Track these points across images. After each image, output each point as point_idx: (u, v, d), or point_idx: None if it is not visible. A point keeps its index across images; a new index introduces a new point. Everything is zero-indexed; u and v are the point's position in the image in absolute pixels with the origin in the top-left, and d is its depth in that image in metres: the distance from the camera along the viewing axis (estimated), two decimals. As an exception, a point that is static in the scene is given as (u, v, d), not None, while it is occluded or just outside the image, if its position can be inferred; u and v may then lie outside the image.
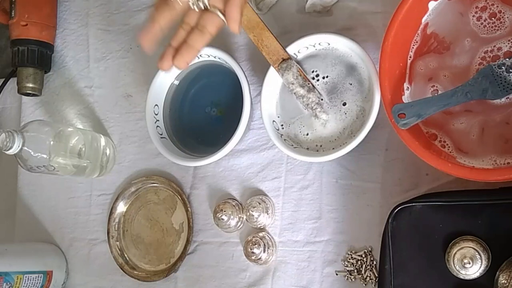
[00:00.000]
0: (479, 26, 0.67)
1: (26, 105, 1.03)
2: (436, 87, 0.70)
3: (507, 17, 0.67)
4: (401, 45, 0.71)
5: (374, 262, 0.76)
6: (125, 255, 0.92)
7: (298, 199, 0.82)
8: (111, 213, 0.92)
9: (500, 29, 0.66)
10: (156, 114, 0.88)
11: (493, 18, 0.67)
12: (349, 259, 0.77)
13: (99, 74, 0.98)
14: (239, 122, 0.79)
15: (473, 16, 0.68)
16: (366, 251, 0.77)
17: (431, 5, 0.70)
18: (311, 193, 0.81)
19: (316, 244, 0.80)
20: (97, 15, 1.00)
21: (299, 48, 0.79)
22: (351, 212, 0.79)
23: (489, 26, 0.67)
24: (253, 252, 0.79)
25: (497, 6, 0.67)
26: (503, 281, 0.64)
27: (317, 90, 0.78)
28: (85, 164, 0.89)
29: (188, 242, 0.86)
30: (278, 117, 0.81)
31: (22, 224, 1.00)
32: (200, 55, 0.86)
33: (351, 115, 0.77)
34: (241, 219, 0.83)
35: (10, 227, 1.01)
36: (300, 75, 0.77)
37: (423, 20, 0.71)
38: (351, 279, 0.77)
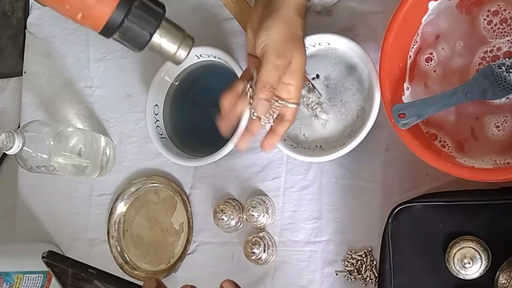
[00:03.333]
0: (489, 31, 0.67)
1: (26, 105, 1.03)
2: (433, 55, 0.70)
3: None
4: (401, 45, 0.71)
5: (374, 262, 0.76)
6: (125, 255, 0.92)
7: (298, 199, 0.82)
8: (111, 213, 0.92)
9: (510, 34, 0.66)
10: (156, 114, 0.88)
11: (503, 24, 0.66)
12: (349, 259, 0.77)
13: (99, 74, 0.98)
14: (239, 122, 0.79)
15: (484, 19, 0.67)
16: (366, 251, 0.77)
17: (431, 5, 0.70)
18: (311, 193, 0.81)
19: (316, 244, 0.80)
20: (97, 15, 1.00)
21: (299, 48, 0.79)
22: (351, 212, 0.79)
23: (498, 31, 0.66)
24: (253, 252, 0.79)
25: (509, 12, 0.66)
26: (503, 281, 0.64)
27: (317, 90, 0.78)
28: (85, 164, 0.89)
29: (188, 242, 0.86)
30: (278, 117, 0.81)
31: (22, 224, 1.00)
32: (200, 55, 0.86)
33: (351, 115, 0.77)
34: (241, 219, 0.83)
35: (10, 227, 1.01)
36: (300, 75, 0.77)
37: (423, 20, 0.71)
38: (351, 279, 0.77)
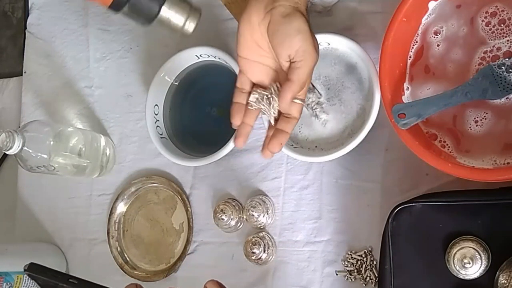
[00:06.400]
0: (488, 32, 0.67)
1: (26, 105, 1.03)
2: (443, 29, 0.70)
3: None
4: (401, 45, 0.71)
5: (374, 262, 0.76)
6: (125, 255, 0.92)
7: (298, 199, 0.82)
8: (111, 213, 0.92)
9: (508, 35, 0.66)
10: (156, 114, 0.88)
11: (502, 25, 0.66)
12: (349, 259, 0.77)
13: (99, 74, 0.98)
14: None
15: (482, 21, 0.67)
16: (366, 251, 0.77)
17: (431, 5, 0.70)
18: (311, 193, 0.81)
19: (316, 244, 0.80)
20: (97, 15, 1.00)
21: (299, 48, 0.79)
22: (351, 212, 0.79)
23: (497, 32, 0.66)
24: (253, 252, 0.79)
25: (507, 13, 0.66)
26: (503, 281, 0.64)
27: (317, 90, 0.78)
28: (85, 164, 0.89)
29: (188, 242, 0.86)
30: (278, 117, 0.81)
31: (22, 224, 1.00)
32: (200, 55, 0.86)
33: (351, 115, 0.77)
34: (241, 219, 0.83)
35: (10, 227, 1.01)
36: (300, 75, 0.77)
37: (423, 20, 0.71)
38: (351, 279, 0.77)
